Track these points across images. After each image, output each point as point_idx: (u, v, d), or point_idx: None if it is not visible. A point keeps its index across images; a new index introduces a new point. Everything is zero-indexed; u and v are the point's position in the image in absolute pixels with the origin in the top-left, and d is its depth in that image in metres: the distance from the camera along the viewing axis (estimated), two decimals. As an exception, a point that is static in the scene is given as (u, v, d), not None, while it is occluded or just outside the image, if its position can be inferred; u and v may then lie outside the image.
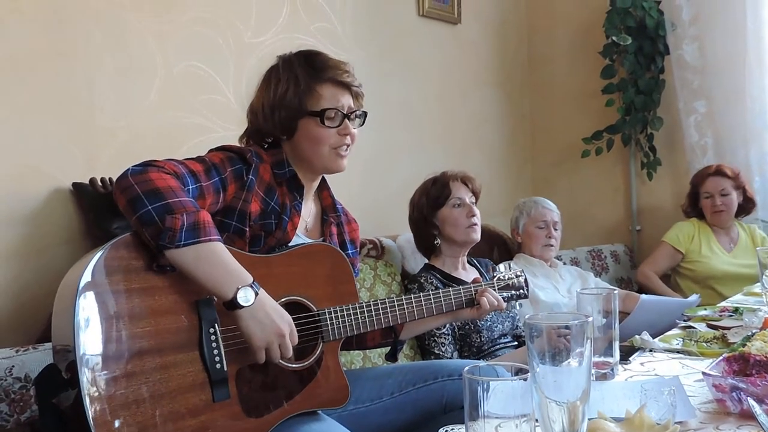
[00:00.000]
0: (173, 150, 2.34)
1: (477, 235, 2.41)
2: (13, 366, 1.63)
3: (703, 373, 1.28)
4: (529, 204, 2.97)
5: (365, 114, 1.71)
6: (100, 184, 2.16)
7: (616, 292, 1.46)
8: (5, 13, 2.05)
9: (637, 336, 1.77)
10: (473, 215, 2.38)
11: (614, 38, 3.69)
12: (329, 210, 1.77)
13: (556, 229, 2.91)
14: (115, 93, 2.30)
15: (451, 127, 3.74)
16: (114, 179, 1.54)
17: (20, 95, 2.08)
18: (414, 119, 3.50)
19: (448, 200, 2.40)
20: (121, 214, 1.34)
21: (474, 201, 2.44)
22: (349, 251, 1.80)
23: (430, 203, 2.43)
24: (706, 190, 3.35)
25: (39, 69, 2.12)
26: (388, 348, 1.89)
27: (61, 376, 1.25)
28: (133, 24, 2.36)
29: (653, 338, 1.78)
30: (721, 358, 1.38)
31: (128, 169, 1.36)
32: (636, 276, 3.55)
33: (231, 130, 2.58)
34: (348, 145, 1.66)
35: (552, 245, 2.90)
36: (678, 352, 1.70)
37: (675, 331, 1.94)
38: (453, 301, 1.77)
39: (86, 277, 1.24)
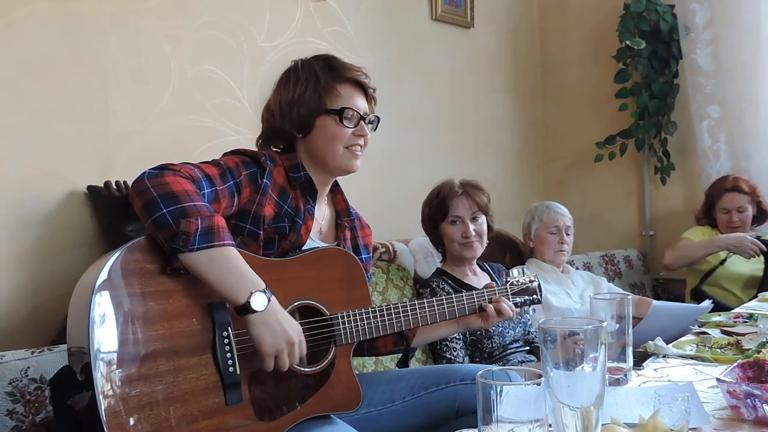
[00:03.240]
0: (187, 153, 2.35)
1: (472, 252, 2.39)
2: (28, 367, 1.64)
3: (718, 380, 1.28)
4: (541, 209, 2.95)
5: (378, 119, 1.73)
6: (114, 187, 2.17)
7: (629, 297, 1.46)
8: (21, 18, 2.07)
9: (650, 342, 1.76)
10: (467, 236, 2.37)
11: (628, 42, 3.68)
12: (343, 214, 1.78)
13: (568, 234, 2.90)
14: (129, 97, 2.32)
15: (463, 132, 3.74)
16: (128, 182, 1.55)
17: (36, 100, 2.10)
18: (427, 123, 3.51)
19: (446, 217, 2.40)
20: (136, 217, 1.35)
21: (478, 215, 2.39)
22: (363, 256, 1.80)
23: (431, 217, 2.44)
24: (723, 206, 3.33)
25: (54, 74, 2.14)
26: (400, 354, 1.89)
27: (76, 378, 1.26)
28: (148, 29, 2.37)
29: (667, 344, 1.77)
30: (735, 364, 1.37)
31: (144, 172, 1.37)
32: (665, 261, 3.37)
33: (244, 134, 2.60)
34: (361, 146, 1.68)
35: (564, 250, 2.88)
36: (692, 358, 1.69)
37: (689, 337, 1.93)
38: (466, 305, 1.77)
39: (101, 280, 1.24)
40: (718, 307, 2.68)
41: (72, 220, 2.16)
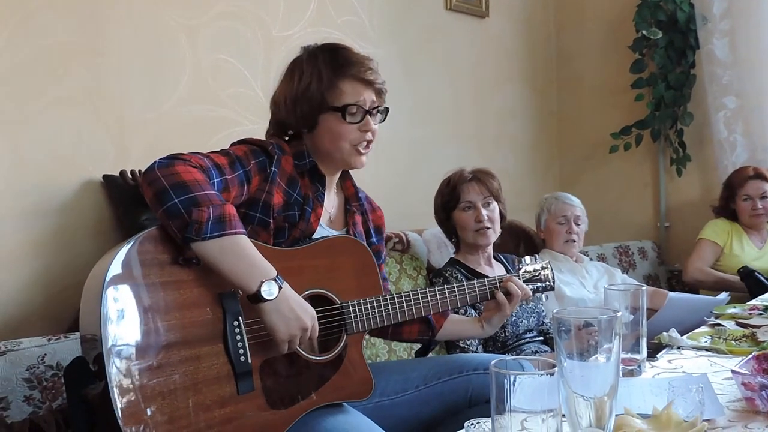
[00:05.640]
0: (202, 143, 2.35)
1: (486, 239, 2.38)
2: (45, 354, 1.66)
3: (732, 371, 1.27)
4: (550, 200, 2.96)
5: (387, 110, 1.70)
6: (130, 176, 2.19)
7: (644, 288, 1.45)
8: (38, 8, 2.08)
9: (664, 333, 1.75)
10: (481, 220, 2.36)
11: (644, 32, 3.65)
12: (352, 199, 1.77)
13: (577, 224, 2.88)
14: (145, 86, 2.33)
15: (478, 122, 3.72)
16: (144, 172, 1.55)
17: (52, 89, 2.11)
18: (440, 114, 3.50)
19: (458, 204, 2.40)
20: (150, 205, 1.36)
21: (490, 200, 2.39)
22: (374, 239, 1.81)
23: (443, 206, 2.44)
24: (746, 193, 3.29)
25: (71, 63, 2.15)
26: (419, 344, 1.90)
27: (89, 368, 1.27)
28: (163, 18, 2.38)
29: (681, 335, 1.76)
30: (750, 356, 1.37)
31: (155, 162, 1.37)
32: (685, 276, 3.36)
33: (259, 124, 2.60)
34: (369, 142, 1.65)
35: (574, 240, 2.86)
36: (706, 350, 1.68)
37: (703, 329, 1.91)
38: (477, 292, 1.77)
39: (113, 270, 1.25)
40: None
41: (88, 208, 2.17)
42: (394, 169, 3.20)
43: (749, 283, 2.92)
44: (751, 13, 3.53)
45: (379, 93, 1.66)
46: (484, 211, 2.36)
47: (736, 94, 3.60)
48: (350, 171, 1.78)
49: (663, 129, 3.82)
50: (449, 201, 2.41)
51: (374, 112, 1.65)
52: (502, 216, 2.45)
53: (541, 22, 4.16)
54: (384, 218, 1.88)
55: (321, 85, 1.60)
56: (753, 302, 2.30)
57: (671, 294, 2.04)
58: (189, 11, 2.45)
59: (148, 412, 1.23)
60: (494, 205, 2.40)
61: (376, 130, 1.66)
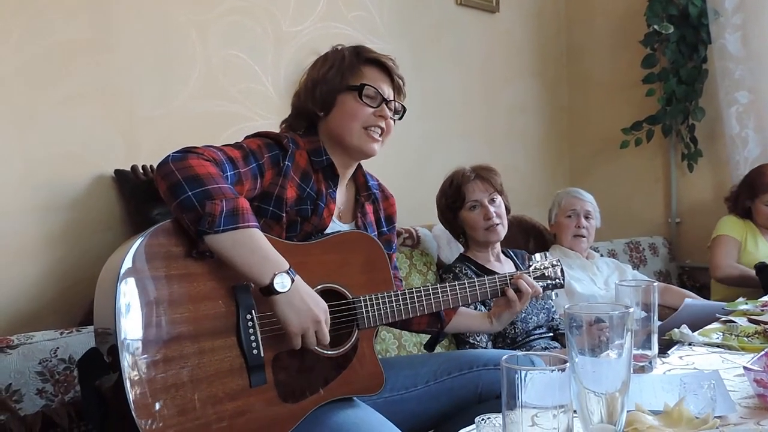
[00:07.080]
0: (212, 138, 2.33)
1: (497, 236, 2.38)
2: (57, 347, 1.67)
3: (744, 368, 1.26)
4: (562, 194, 2.96)
5: (404, 109, 1.72)
6: (141, 171, 2.20)
7: (655, 284, 1.45)
8: (48, 5, 2.09)
9: (676, 330, 1.74)
10: (489, 218, 2.36)
11: (656, 27, 3.62)
12: (362, 189, 1.77)
13: (587, 218, 2.86)
14: (155, 82, 2.34)
15: (488, 118, 3.72)
16: (155, 167, 1.56)
17: (63, 85, 2.12)
18: (450, 109, 3.49)
19: (464, 203, 2.39)
20: (162, 200, 1.36)
21: (495, 196, 2.40)
22: (385, 228, 1.81)
23: (448, 206, 2.43)
24: None
25: (82, 59, 2.16)
26: (428, 337, 1.89)
27: (103, 359, 1.28)
28: (173, 14, 2.39)
29: (692, 332, 1.75)
30: (762, 353, 1.36)
31: (168, 156, 1.37)
32: (719, 273, 3.25)
33: (269, 119, 2.61)
34: (382, 130, 1.66)
35: (582, 235, 2.85)
36: (718, 347, 1.68)
37: (715, 326, 1.90)
38: (488, 289, 1.77)
39: (127, 263, 1.26)
40: None
41: (99, 203, 2.18)
42: (404, 165, 3.20)
43: (763, 278, 2.90)
44: (764, 7, 3.49)
45: (398, 89, 1.71)
46: (491, 208, 2.36)
47: (748, 89, 3.57)
48: (362, 162, 1.79)
49: (674, 124, 3.79)
50: (455, 201, 2.41)
51: (391, 105, 1.68)
52: (507, 209, 2.45)
53: (551, 16, 4.15)
54: (396, 206, 1.89)
55: (342, 67, 1.65)
56: (765, 298, 2.29)
57: (687, 300, 2.02)
58: (199, 7, 2.46)
59: (161, 403, 1.24)
60: (499, 200, 2.40)
61: (391, 125, 1.68)
